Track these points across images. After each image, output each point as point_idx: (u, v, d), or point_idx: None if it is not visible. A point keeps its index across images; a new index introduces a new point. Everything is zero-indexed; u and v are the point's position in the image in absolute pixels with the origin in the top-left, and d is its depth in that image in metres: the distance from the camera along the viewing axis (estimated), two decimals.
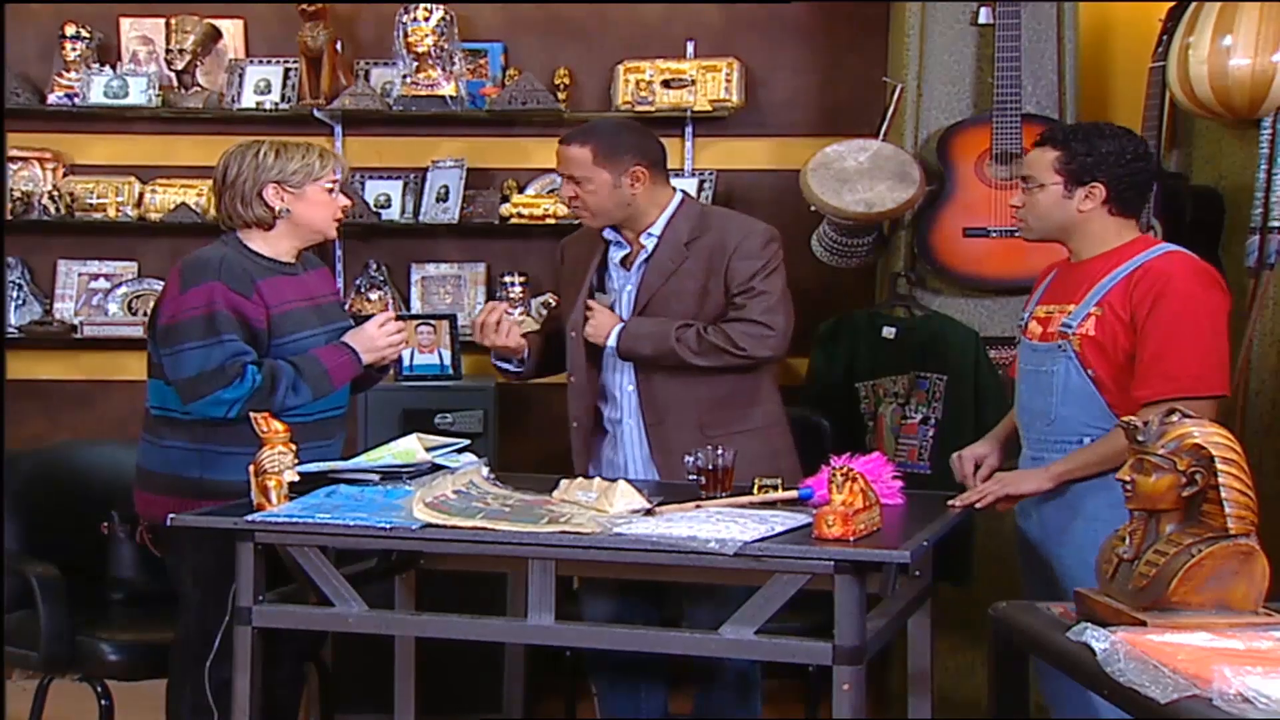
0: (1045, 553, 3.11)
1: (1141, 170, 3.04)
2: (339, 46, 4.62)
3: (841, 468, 2.66)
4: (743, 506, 2.88)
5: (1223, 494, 2.11)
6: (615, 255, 3.46)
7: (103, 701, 3.45)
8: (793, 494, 2.93)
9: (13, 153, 4.66)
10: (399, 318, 4.34)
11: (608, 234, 3.44)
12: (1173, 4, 3.95)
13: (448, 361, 4.35)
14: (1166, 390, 2.88)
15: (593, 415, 3.47)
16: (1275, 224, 3.64)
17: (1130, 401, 2.92)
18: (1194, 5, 3.74)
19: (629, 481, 2.90)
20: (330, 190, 3.23)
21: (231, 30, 4.75)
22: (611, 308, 3.42)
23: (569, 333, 3.44)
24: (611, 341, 3.36)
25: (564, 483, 2.99)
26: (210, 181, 3.37)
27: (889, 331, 4.13)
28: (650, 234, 3.40)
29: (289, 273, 3.24)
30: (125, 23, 4.76)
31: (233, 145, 3.26)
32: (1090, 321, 2.99)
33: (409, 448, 3.08)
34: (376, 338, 3.25)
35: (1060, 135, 3.08)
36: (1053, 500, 3.06)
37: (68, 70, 4.64)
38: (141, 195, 4.70)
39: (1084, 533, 2.92)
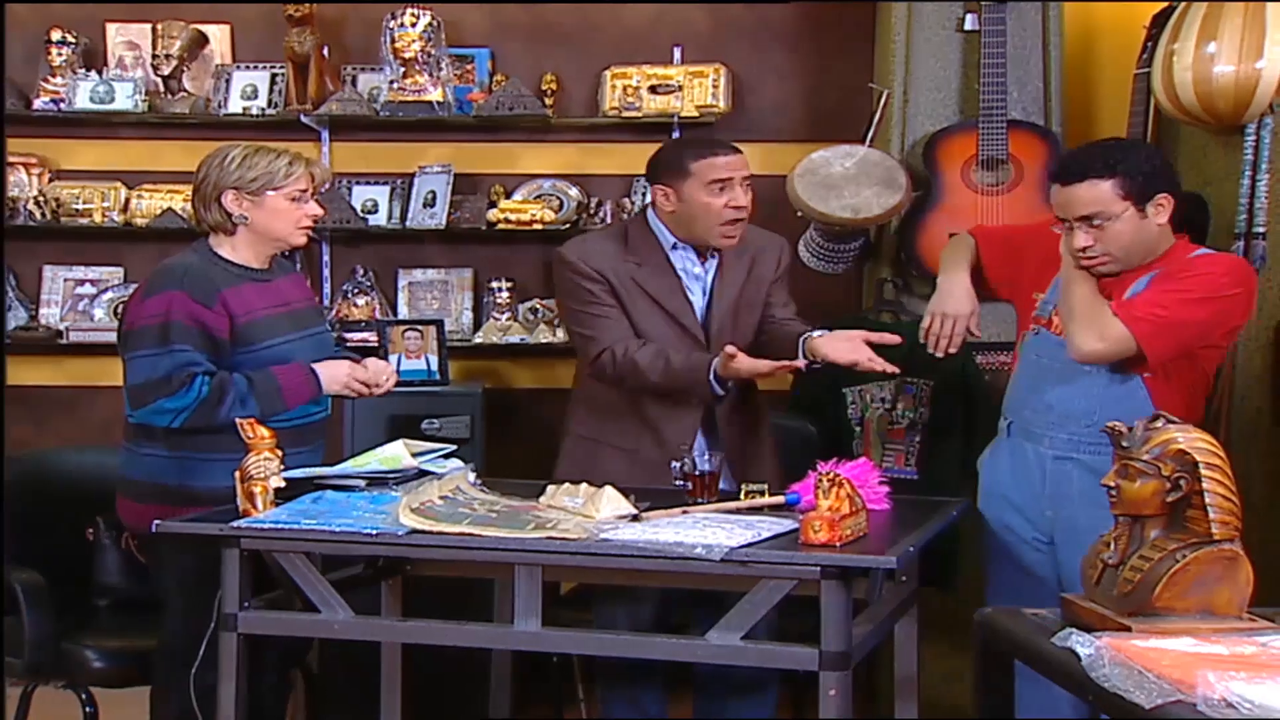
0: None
1: (1167, 164, 3.08)
2: (326, 52, 4.61)
3: (828, 473, 2.66)
4: (729, 512, 2.88)
5: (1207, 499, 2.12)
6: (690, 263, 3.39)
7: (87, 709, 3.44)
8: (779, 499, 2.93)
9: None
10: (387, 322, 4.37)
11: (676, 244, 3.38)
12: (1157, 10, 3.96)
13: (435, 367, 4.35)
14: (1123, 314, 2.88)
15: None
16: (1259, 230, 3.65)
17: (1177, 400, 2.90)
18: (1179, 11, 3.74)
19: (616, 488, 2.91)
20: (296, 199, 3.20)
21: (218, 35, 4.74)
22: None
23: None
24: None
25: (550, 488, 2.99)
26: None
27: None
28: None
29: (259, 279, 3.22)
30: (111, 28, 4.75)
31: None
32: None
33: (395, 453, 3.08)
34: (346, 380, 3.22)
35: (1098, 164, 2.92)
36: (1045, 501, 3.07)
37: (53, 75, 4.63)
38: (128, 200, 4.68)
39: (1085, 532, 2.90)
